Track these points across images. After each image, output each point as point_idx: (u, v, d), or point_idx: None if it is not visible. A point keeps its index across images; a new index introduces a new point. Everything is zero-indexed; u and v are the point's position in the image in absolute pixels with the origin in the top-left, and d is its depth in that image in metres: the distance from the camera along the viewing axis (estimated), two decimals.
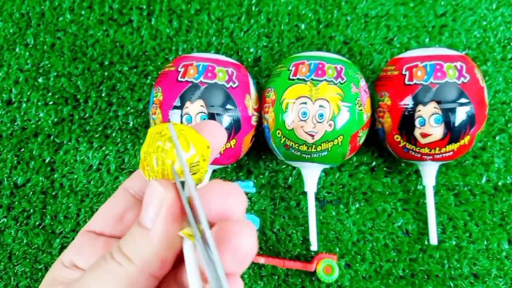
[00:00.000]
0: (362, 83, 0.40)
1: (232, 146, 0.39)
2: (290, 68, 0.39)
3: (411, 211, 0.44)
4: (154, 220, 0.18)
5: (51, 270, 0.21)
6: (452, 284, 0.43)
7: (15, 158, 0.46)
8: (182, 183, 0.19)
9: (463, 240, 0.43)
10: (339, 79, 0.38)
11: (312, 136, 0.38)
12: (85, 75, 0.48)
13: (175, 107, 0.38)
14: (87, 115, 0.47)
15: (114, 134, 0.47)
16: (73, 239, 0.45)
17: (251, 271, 0.44)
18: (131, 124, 0.47)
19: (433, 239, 0.41)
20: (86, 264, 0.21)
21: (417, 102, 0.38)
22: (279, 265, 0.42)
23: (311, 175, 0.41)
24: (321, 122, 0.37)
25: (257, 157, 0.46)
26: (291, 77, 0.39)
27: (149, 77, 0.48)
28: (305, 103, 0.37)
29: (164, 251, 0.18)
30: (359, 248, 0.44)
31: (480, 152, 0.45)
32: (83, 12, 0.49)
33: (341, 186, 0.45)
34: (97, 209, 0.46)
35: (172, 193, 0.19)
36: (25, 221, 0.45)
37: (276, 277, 0.43)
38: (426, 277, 0.43)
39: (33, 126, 0.47)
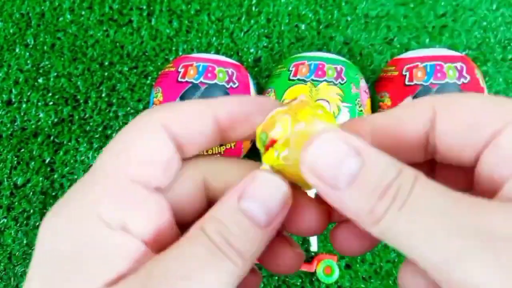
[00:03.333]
0: (362, 83, 0.40)
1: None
2: (290, 69, 0.39)
3: None
4: (271, 221, 0.16)
5: (81, 228, 0.15)
6: None
7: (15, 159, 0.46)
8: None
9: None
10: (339, 80, 0.38)
11: None
12: (85, 76, 0.48)
13: None
14: (87, 115, 0.47)
15: (114, 135, 0.47)
16: None
17: None
18: None
19: None
20: (143, 231, 0.16)
21: None
22: None
23: None
24: None
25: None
26: (291, 78, 0.39)
27: (149, 78, 0.48)
28: None
29: (266, 245, 0.16)
30: None
31: None
32: (83, 13, 0.49)
33: None
34: None
35: (291, 193, 0.16)
36: (25, 222, 0.45)
37: (276, 277, 0.43)
38: None
39: (33, 126, 0.47)
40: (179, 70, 0.39)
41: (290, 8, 0.49)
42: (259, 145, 0.17)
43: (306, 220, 0.18)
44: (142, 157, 0.16)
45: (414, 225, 0.13)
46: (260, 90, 0.45)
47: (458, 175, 0.18)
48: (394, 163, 0.14)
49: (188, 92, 0.38)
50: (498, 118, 0.14)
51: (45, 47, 0.49)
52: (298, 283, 0.43)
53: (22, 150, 0.47)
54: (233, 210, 0.16)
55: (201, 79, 0.38)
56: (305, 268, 0.42)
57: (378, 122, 0.17)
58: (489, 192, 0.15)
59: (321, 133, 0.15)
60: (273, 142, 0.17)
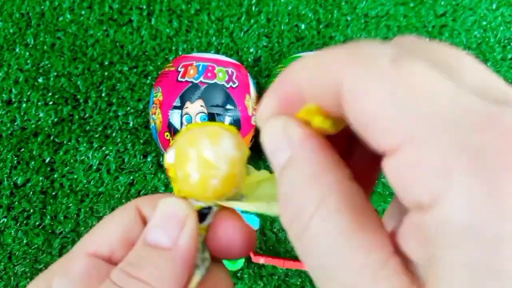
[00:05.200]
0: None
1: None
2: None
3: None
4: (175, 239, 0.16)
5: None
6: None
7: (15, 158, 0.46)
8: (204, 208, 0.17)
9: None
10: None
11: None
12: (85, 75, 0.48)
13: (175, 107, 0.38)
14: (87, 115, 0.47)
15: (114, 134, 0.47)
16: (73, 239, 0.45)
17: (251, 271, 0.44)
18: (131, 124, 0.47)
19: None
20: None
21: None
22: (279, 265, 0.42)
23: None
24: None
25: (257, 157, 0.46)
26: None
27: (149, 77, 0.48)
28: None
29: (184, 275, 0.16)
30: None
31: None
32: (83, 12, 0.49)
33: None
34: (97, 210, 0.46)
35: (194, 213, 0.17)
36: (25, 221, 0.45)
37: (276, 277, 0.43)
38: None
39: (33, 126, 0.47)
40: (179, 69, 0.39)
41: (290, 8, 0.49)
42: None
43: (229, 239, 0.17)
44: (105, 235, 0.17)
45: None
46: (260, 90, 0.45)
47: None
48: (315, 174, 0.13)
49: (188, 92, 0.38)
50: (401, 128, 0.11)
51: (45, 47, 0.49)
52: (298, 283, 0.43)
53: (22, 149, 0.47)
54: (138, 248, 0.16)
55: (201, 79, 0.38)
56: (305, 267, 0.42)
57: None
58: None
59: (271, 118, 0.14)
60: (167, 171, 0.18)
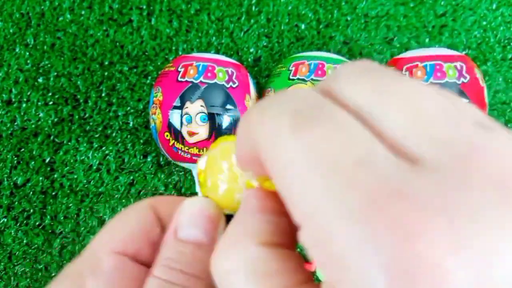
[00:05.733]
0: None
1: None
2: (290, 68, 0.39)
3: None
4: (213, 236, 0.16)
5: None
6: None
7: (15, 158, 0.46)
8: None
9: None
10: None
11: None
12: (85, 75, 0.48)
13: (175, 107, 0.38)
14: (87, 115, 0.47)
15: (114, 134, 0.47)
16: (73, 239, 0.45)
17: None
18: (131, 124, 0.47)
19: None
20: None
21: None
22: None
23: None
24: None
25: None
26: (291, 77, 0.39)
27: (149, 77, 0.48)
28: None
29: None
30: None
31: None
32: (83, 12, 0.49)
33: None
34: (97, 210, 0.46)
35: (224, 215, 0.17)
36: (25, 221, 0.45)
37: None
38: None
39: (33, 126, 0.47)
40: (179, 69, 0.39)
41: (290, 8, 0.49)
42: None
43: None
44: (127, 232, 0.17)
45: None
46: (260, 90, 0.45)
47: None
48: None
49: (188, 92, 0.38)
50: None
51: (45, 47, 0.49)
52: None
53: (22, 149, 0.47)
54: (173, 245, 0.16)
55: (201, 79, 0.38)
56: (305, 267, 0.42)
57: None
58: None
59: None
60: (198, 175, 0.18)
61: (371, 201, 0.09)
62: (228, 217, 0.17)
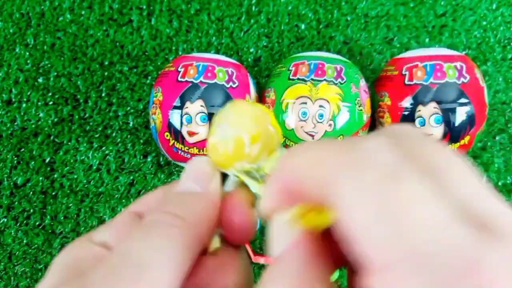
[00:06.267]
0: (362, 83, 0.40)
1: None
2: (290, 68, 0.39)
3: None
4: (206, 187, 0.18)
5: (69, 250, 0.17)
6: None
7: (15, 158, 0.46)
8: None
9: None
10: (339, 79, 0.38)
11: (312, 136, 0.38)
12: (85, 75, 0.48)
13: (175, 107, 0.38)
14: (87, 115, 0.47)
15: (114, 134, 0.47)
16: (73, 239, 0.45)
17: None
18: (131, 124, 0.47)
19: None
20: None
21: (417, 102, 0.38)
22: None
23: None
24: (321, 122, 0.37)
25: None
26: (291, 77, 0.39)
27: (149, 77, 0.48)
28: (305, 103, 0.37)
29: (214, 219, 0.18)
30: None
31: (480, 152, 0.45)
32: (83, 12, 0.49)
33: None
34: (97, 210, 0.46)
35: (218, 172, 0.19)
36: (25, 221, 0.45)
37: None
38: None
39: (33, 126, 0.47)
40: (179, 69, 0.39)
41: (290, 8, 0.49)
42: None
43: (239, 217, 0.19)
44: (143, 200, 0.20)
45: None
46: (260, 90, 0.45)
47: None
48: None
49: (188, 92, 0.38)
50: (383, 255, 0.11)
51: (45, 47, 0.49)
52: None
53: (22, 149, 0.47)
54: (171, 194, 0.18)
55: (201, 79, 0.38)
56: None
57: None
58: None
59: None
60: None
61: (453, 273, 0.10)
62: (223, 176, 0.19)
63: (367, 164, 0.12)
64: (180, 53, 0.48)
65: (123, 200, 0.46)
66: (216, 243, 0.18)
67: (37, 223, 0.45)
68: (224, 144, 0.19)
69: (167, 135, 0.39)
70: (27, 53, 0.49)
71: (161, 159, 0.46)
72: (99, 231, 0.18)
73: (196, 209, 0.17)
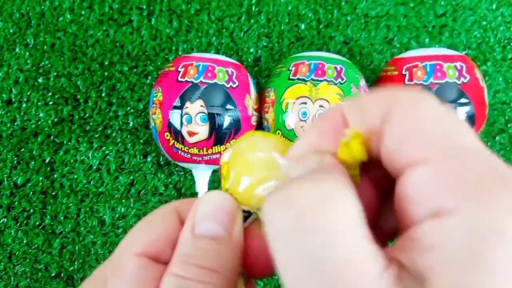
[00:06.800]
0: (362, 83, 0.40)
1: None
2: (290, 68, 0.39)
3: None
4: (230, 229, 0.16)
5: None
6: None
7: (15, 158, 0.46)
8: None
9: None
10: (339, 79, 0.38)
11: None
12: (85, 75, 0.48)
13: (175, 107, 0.38)
14: (87, 115, 0.47)
15: (114, 134, 0.47)
16: (73, 239, 0.45)
17: None
18: (131, 124, 0.47)
19: None
20: None
21: None
22: None
23: None
24: None
25: None
26: (291, 77, 0.39)
27: (149, 77, 0.48)
28: (305, 103, 0.37)
29: (240, 265, 0.17)
30: None
31: None
32: (83, 12, 0.49)
33: None
34: (97, 210, 0.46)
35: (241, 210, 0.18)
36: (25, 221, 0.45)
37: (276, 277, 0.43)
38: None
39: (33, 126, 0.47)
40: (179, 69, 0.39)
41: (290, 8, 0.49)
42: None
43: (260, 258, 0.17)
44: (150, 235, 0.17)
45: None
46: (260, 90, 0.45)
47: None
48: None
49: (188, 92, 0.38)
50: (420, 149, 0.13)
51: (45, 47, 0.49)
52: None
53: (22, 149, 0.47)
54: (190, 240, 0.16)
55: (201, 79, 0.38)
56: None
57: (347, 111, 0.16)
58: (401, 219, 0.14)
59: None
60: (220, 168, 0.18)
61: None
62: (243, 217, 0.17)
63: (425, 94, 0.14)
64: (180, 53, 0.48)
65: (123, 200, 0.46)
66: (241, 284, 0.17)
67: (37, 223, 0.45)
68: (248, 179, 0.17)
69: (167, 135, 0.39)
70: (27, 53, 0.49)
71: (161, 159, 0.46)
72: (112, 280, 0.16)
73: (227, 258, 0.16)
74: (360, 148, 0.14)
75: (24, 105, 0.48)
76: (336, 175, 0.13)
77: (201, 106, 0.38)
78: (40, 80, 0.48)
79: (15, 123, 0.47)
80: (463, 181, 0.11)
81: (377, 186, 0.16)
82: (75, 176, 0.46)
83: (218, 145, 0.39)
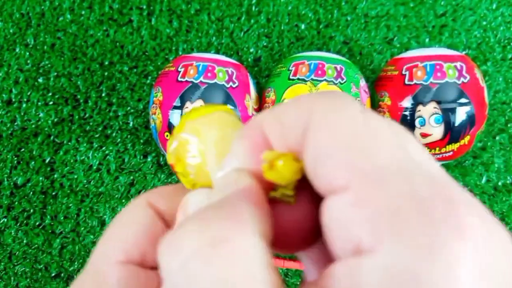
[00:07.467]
0: (362, 83, 0.40)
1: None
2: (290, 68, 0.39)
3: None
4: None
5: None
6: None
7: (15, 158, 0.46)
8: None
9: None
10: (339, 79, 0.38)
11: None
12: (85, 75, 0.48)
13: (175, 107, 0.38)
14: (87, 115, 0.47)
15: (114, 134, 0.47)
16: (73, 239, 0.45)
17: None
18: (131, 124, 0.47)
19: None
20: None
21: (417, 102, 0.38)
22: (279, 265, 0.42)
23: None
24: None
25: None
26: (291, 77, 0.39)
27: (149, 77, 0.48)
28: None
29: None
30: None
31: (480, 152, 0.45)
32: (83, 12, 0.49)
33: None
34: (97, 210, 0.46)
35: None
36: (25, 221, 0.45)
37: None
38: None
39: (33, 126, 0.47)
40: (179, 69, 0.39)
41: (290, 8, 0.49)
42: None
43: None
44: (128, 237, 0.15)
45: None
46: (260, 90, 0.45)
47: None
48: None
49: (188, 92, 0.38)
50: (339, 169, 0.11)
51: (45, 47, 0.49)
52: (298, 283, 0.43)
53: (22, 149, 0.47)
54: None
55: (201, 79, 0.38)
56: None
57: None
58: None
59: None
60: (173, 166, 0.17)
61: None
62: None
63: (343, 101, 0.12)
64: (180, 53, 0.48)
65: (123, 200, 0.46)
66: None
67: (37, 223, 0.45)
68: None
69: (167, 135, 0.39)
70: (27, 53, 0.49)
71: (161, 159, 0.46)
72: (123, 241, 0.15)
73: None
74: (288, 169, 0.13)
75: (24, 105, 0.48)
76: (241, 208, 0.12)
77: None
78: (40, 80, 0.48)
79: (15, 123, 0.47)
80: (380, 214, 0.10)
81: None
82: (75, 176, 0.46)
83: None
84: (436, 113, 0.37)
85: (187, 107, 0.38)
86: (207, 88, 0.38)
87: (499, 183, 0.45)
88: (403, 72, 0.39)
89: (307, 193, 0.13)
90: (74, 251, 0.45)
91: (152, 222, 0.16)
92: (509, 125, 0.46)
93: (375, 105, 0.41)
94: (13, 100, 0.48)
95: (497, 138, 0.46)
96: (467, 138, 0.38)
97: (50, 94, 0.48)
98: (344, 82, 0.38)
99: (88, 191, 0.46)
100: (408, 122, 0.38)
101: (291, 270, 0.43)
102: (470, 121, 0.37)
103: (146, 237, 0.15)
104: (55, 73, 0.48)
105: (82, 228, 0.45)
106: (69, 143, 0.47)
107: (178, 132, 0.16)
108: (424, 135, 0.38)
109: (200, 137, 0.16)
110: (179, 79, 0.38)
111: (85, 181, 0.46)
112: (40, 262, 0.45)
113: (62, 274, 0.45)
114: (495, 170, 0.45)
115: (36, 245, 0.45)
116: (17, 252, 0.45)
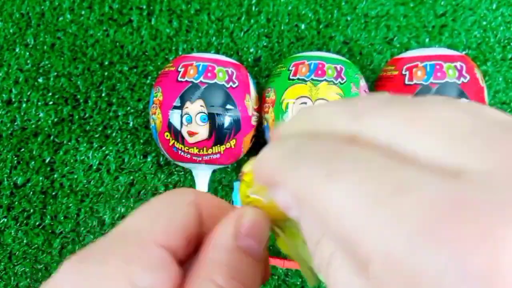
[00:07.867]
0: (362, 83, 0.40)
1: (232, 146, 0.39)
2: (290, 68, 0.39)
3: None
4: (263, 248, 0.17)
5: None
6: None
7: (15, 158, 0.46)
8: None
9: None
10: (339, 79, 0.38)
11: None
12: (85, 75, 0.48)
13: (175, 107, 0.38)
14: (87, 115, 0.47)
15: (114, 134, 0.47)
16: (73, 239, 0.45)
17: None
18: (131, 124, 0.47)
19: None
20: None
21: None
22: (279, 265, 0.42)
23: None
24: None
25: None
26: (291, 77, 0.39)
27: (149, 77, 0.48)
28: (305, 103, 0.37)
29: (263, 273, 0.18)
30: None
31: None
32: (83, 12, 0.49)
33: None
34: (97, 210, 0.46)
35: None
36: (25, 221, 0.45)
37: (276, 277, 0.43)
38: None
39: (33, 126, 0.47)
40: (179, 69, 0.39)
41: (290, 8, 0.49)
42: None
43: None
44: (171, 227, 0.16)
45: None
46: (260, 90, 0.45)
47: None
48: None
49: (188, 92, 0.38)
50: None
51: (45, 47, 0.49)
52: (298, 283, 0.43)
53: (22, 149, 0.47)
54: (231, 250, 0.16)
55: (201, 79, 0.38)
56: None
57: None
58: None
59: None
60: (243, 174, 0.18)
61: (431, 219, 0.09)
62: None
63: (312, 166, 0.13)
64: (180, 53, 0.48)
65: (123, 200, 0.46)
66: None
67: (37, 223, 0.45)
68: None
69: (167, 135, 0.39)
70: (27, 53, 0.49)
71: (161, 159, 0.46)
72: (139, 272, 0.15)
73: (259, 274, 0.17)
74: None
75: (24, 105, 0.48)
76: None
77: (201, 106, 0.38)
78: (40, 80, 0.48)
79: (15, 123, 0.47)
80: None
81: None
82: (75, 176, 0.46)
83: (218, 145, 0.39)
84: None
85: (187, 107, 0.38)
86: (207, 88, 0.38)
87: None
88: (403, 72, 0.39)
89: None
90: (74, 251, 0.45)
91: (193, 223, 0.17)
92: None
93: None
94: (13, 100, 0.48)
95: None
96: None
97: (50, 94, 0.48)
98: (344, 82, 0.38)
99: (88, 191, 0.46)
100: None
101: (291, 270, 0.43)
102: None
103: (185, 233, 0.16)
104: (55, 73, 0.48)
105: (82, 228, 0.45)
106: (69, 143, 0.47)
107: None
108: None
109: None
110: (179, 79, 0.38)
111: (85, 181, 0.46)
112: (40, 262, 0.45)
113: None
114: None
115: (36, 245, 0.45)
116: (17, 252, 0.45)
